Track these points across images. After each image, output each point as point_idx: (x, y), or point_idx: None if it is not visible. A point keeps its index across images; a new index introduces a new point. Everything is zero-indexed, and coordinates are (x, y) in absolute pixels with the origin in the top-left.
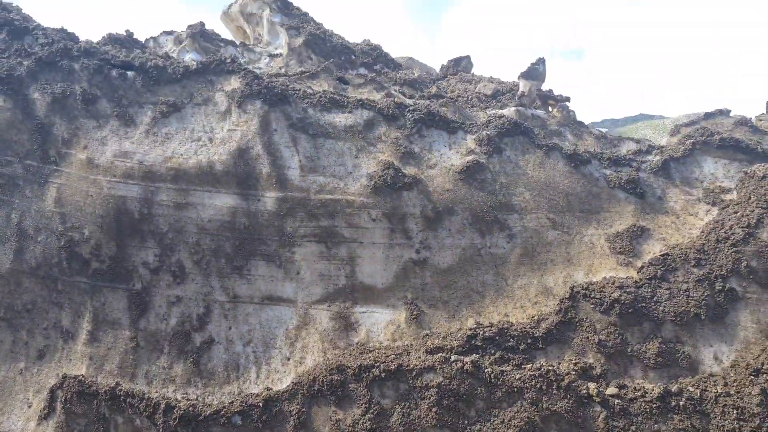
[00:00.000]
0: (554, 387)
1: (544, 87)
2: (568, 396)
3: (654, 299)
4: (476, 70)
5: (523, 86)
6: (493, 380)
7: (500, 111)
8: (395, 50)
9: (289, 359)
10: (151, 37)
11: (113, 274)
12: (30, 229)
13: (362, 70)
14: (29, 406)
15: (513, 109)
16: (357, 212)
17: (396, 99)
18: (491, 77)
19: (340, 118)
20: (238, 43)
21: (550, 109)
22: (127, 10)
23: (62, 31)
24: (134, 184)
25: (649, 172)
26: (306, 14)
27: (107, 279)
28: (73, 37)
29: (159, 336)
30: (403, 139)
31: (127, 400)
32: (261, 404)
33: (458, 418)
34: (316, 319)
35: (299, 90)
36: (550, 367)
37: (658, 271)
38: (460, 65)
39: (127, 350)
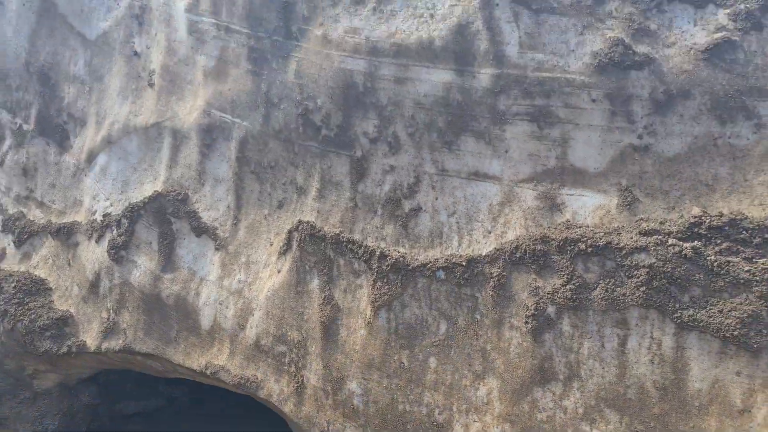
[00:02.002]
0: None
1: None
2: None
3: None
4: None
5: None
6: (715, 269)
7: None
8: None
9: (490, 232)
10: None
11: (338, 141)
12: (275, 98)
13: None
14: (271, 245)
15: None
16: (576, 92)
17: None
18: None
19: None
20: None
21: None
22: None
23: None
24: (360, 59)
25: None
26: None
27: (334, 145)
28: None
29: (374, 199)
30: (638, 15)
31: (348, 245)
32: (464, 263)
33: (668, 301)
34: (520, 197)
35: None
36: None
37: None
38: None
39: (347, 208)
